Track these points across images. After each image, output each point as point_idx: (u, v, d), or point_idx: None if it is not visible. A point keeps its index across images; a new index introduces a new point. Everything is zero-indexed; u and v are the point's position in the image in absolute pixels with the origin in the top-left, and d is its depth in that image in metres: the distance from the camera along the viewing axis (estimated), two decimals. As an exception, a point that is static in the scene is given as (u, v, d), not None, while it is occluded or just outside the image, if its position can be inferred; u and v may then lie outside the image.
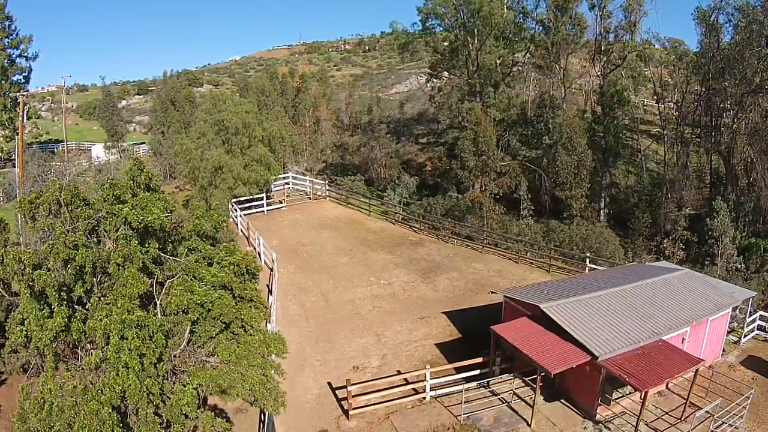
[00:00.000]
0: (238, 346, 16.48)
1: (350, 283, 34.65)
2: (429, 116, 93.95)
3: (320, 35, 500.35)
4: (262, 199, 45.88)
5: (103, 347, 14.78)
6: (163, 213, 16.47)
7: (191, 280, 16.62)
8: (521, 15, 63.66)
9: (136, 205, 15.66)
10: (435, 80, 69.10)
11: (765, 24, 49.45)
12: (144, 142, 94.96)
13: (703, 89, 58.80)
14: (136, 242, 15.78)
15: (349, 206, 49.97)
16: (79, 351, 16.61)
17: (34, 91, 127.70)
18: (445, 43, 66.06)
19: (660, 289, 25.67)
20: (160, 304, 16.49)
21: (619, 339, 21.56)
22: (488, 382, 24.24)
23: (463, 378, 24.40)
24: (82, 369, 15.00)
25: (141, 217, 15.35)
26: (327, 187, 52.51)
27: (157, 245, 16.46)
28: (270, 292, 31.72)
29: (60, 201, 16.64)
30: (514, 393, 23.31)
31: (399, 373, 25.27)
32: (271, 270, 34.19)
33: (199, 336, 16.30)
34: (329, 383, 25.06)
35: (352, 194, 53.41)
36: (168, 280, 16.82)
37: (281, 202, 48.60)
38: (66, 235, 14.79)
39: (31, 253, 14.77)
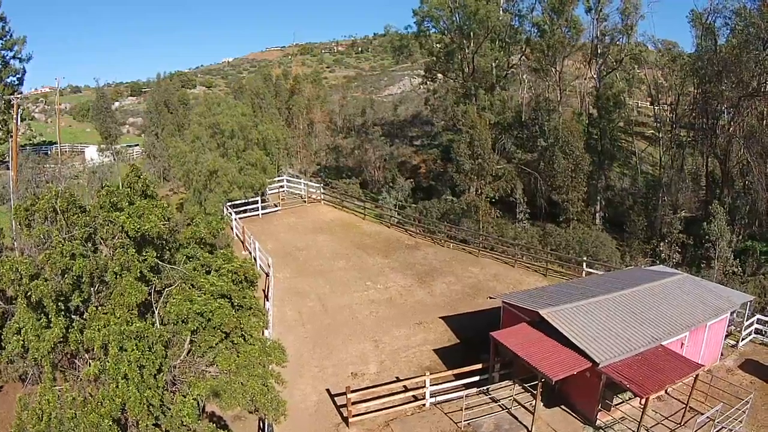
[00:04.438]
0: (238, 356, 16.31)
1: (347, 288, 34.49)
2: (423, 118, 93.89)
3: (313, 36, 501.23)
4: (257, 202, 45.67)
5: (102, 358, 14.57)
6: (160, 220, 16.25)
7: (190, 288, 16.42)
8: (517, 18, 63.64)
9: (133, 213, 15.43)
10: (430, 83, 68.90)
11: (762, 27, 49.56)
12: (137, 144, 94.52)
13: (699, 92, 58.89)
14: (134, 250, 15.57)
15: (344, 209, 49.80)
16: (76, 361, 16.40)
17: (27, 92, 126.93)
18: (439, 45, 65.81)
19: (659, 294, 25.66)
20: (159, 313, 16.29)
21: (619, 345, 21.51)
22: (488, 388, 24.12)
23: (462, 384, 24.28)
24: (81, 380, 14.80)
25: (138, 226, 15.13)
26: (322, 190, 52.29)
27: (155, 253, 16.24)
28: (266, 297, 31.49)
29: (56, 208, 16.42)
30: (514, 399, 23.23)
31: (398, 379, 25.19)
32: (267, 275, 33.95)
33: (199, 346, 16.11)
34: (328, 390, 24.92)
35: (347, 197, 53.22)
36: (166, 289, 16.62)
37: (276, 206, 48.40)
38: (63, 245, 14.56)
39: (28, 264, 14.53)
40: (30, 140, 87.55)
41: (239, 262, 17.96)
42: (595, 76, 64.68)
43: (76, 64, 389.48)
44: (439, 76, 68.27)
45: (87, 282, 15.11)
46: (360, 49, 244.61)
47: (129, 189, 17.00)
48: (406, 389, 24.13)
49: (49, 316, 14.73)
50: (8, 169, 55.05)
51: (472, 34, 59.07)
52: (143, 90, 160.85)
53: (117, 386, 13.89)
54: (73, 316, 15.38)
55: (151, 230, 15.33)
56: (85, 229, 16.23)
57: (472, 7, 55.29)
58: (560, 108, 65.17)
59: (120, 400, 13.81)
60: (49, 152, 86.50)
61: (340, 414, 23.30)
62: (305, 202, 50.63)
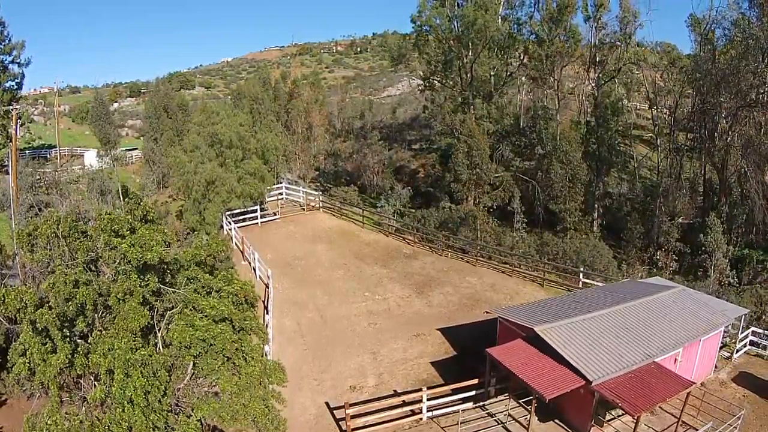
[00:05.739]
0: (239, 378, 16.66)
1: (345, 299, 34.74)
2: (421, 121, 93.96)
3: (312, 36, 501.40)
4: (256, 211, 45.81)
5: (107, 382, 14.90)
6: (160, 246, 16.54)
7: (191, 311, 16.74)
8: (515, 26, 63.72)
9: (134, 243, 15.73)
10: (428, 91, 68.94)
11: (761, 39, 49.68)
12: (136, 148, 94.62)
13: (698, 101, 58.99)
14: (136, 276, 15.90)
15: (342, 217, 49.95)
16: (82, 381, 16.74)
17: (26, 92, 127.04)
18: (438, 51, 65.86)
19: (653, 309, 25.94)
20: (161, 335, 16.62)
21: (612, 362, 21.84)
22: (484, 404, 24.44)
23: (459, 398, 24.58)
24: (87, 403, 15.14)
25: (140, 255, 15.44)
26: (320, 198, 52.45)
27: (157, 278, 16.55)
28: (266, 308, 31.78)
29: (58, 234, 16.72)
30: (509, 414, 23.55)
31: (395, 392, 25.50)
32: (267, 286, 34.24)
33: (202, 369, 16.44)
34: (327, 403, 25.20)
35: (346, 205, 53.40)
36: (168, 312, 16.94)
37: (275, 214, 48.53)
38: (66, 275, 14.87)
39: (33, 293, 14.85)
40: (29, 143, 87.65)
41: (239, 284, 18.28)
42: (593, 83, 64.85)
43: (75, 65, 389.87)
44: (437, 83, 68.30)
45: (90, 308, 15.43)
46: (359, 49, 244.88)
47: (129, 215, 17.28)
48: (404, 403, 24.42)
49: (55, 341, 15.06)
50: (8, 174, 55.16)
51: (470, 43, 59.16)
52: (142, 91, 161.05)
53: (123, 410, 14.27)
54: (78, 341, 15.70)
55: (153, 259, 15.63)
56: (88, 255, 16.56)
57: (470, 16, 55.41)
58: (558, 116, 65.33)
59: (126, 423, 14.22)
60: (48, 156, 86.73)
61: (339, 427, 23.61)
62: (304, 209, 50.78)
